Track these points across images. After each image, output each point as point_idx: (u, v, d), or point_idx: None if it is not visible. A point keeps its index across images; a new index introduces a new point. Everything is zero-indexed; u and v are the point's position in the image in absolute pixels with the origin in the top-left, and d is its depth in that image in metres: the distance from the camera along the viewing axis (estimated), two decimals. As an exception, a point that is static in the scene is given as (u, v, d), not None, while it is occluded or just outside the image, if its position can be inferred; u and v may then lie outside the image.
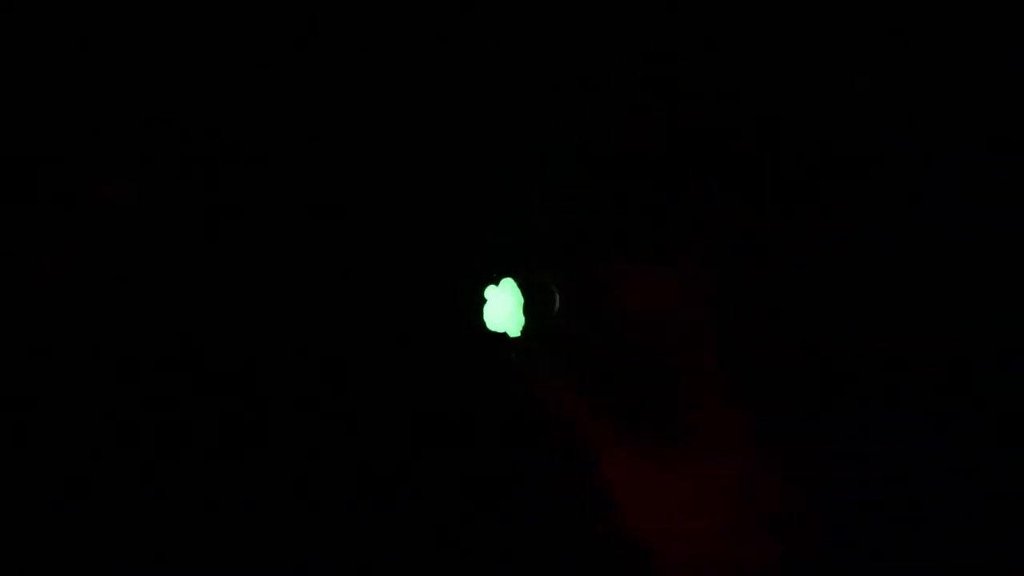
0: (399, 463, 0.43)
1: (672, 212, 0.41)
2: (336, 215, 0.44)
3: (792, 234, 0.40)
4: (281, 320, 0.44)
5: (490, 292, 0.41)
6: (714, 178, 0.41)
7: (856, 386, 0.40)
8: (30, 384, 0.43)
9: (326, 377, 0.43)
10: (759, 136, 0.43)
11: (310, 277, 0.44)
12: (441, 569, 0.43)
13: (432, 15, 0.44)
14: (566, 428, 0.40)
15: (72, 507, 0.42)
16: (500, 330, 0.41)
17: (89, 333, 0.43)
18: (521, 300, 0.40)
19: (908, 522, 0.40)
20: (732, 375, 0.38)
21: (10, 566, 0.42)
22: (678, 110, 0.43)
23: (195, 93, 0.44)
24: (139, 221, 0.44)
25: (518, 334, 0.41)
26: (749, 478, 0.37)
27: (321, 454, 0.43)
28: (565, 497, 0.42)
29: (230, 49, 0.45)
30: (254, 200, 0.44)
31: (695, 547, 0.35)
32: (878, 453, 0.42)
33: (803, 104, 0.43)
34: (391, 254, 0.45)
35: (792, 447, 0.37)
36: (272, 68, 0.44)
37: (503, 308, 0.40)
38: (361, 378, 0.44)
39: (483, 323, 0.41)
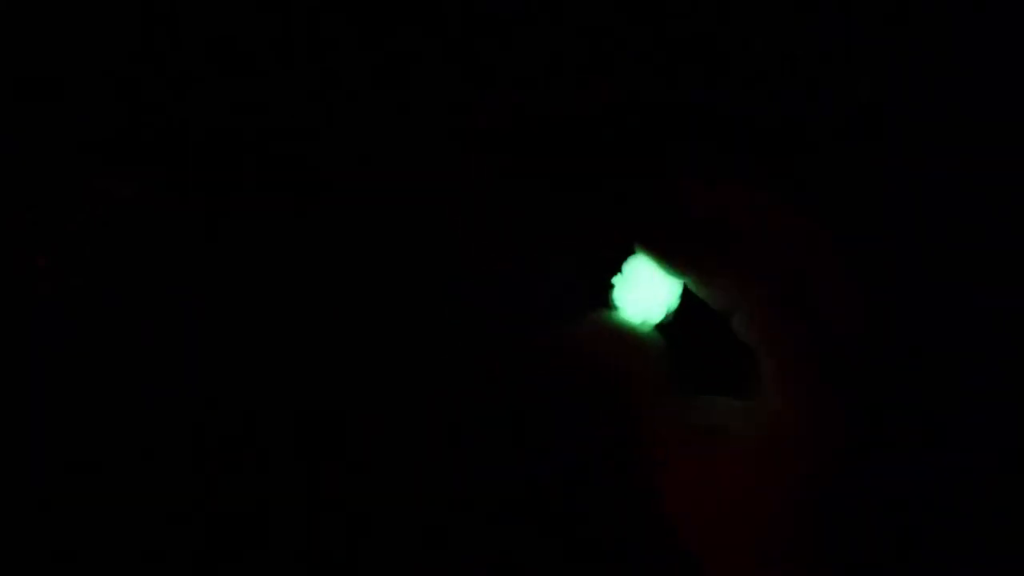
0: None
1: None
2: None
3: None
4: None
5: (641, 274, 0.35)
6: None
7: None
8: (28, 384, 0.43)
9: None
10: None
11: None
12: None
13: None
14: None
15: (70, 508, 0.42)
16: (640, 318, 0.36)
17: (85, 333, 0.44)
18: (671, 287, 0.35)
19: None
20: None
21: (9, 566, 0.42)
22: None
23: (193, 92, 0.44)
24: (137, 220, 0.44)
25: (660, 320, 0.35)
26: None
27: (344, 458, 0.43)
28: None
29: (229, 48, 0.45)
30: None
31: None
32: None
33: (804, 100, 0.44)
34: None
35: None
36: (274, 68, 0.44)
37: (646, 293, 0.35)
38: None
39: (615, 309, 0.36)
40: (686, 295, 0.36)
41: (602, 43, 0.44)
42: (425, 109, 0.44)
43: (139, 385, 0.43)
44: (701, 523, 0.32)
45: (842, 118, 0.43)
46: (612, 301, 0.36)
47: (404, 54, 0.44)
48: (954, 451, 0.41)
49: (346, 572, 0.42)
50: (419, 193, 0.44)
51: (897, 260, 0.42)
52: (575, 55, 0.44)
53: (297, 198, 0.44)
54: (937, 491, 0.40)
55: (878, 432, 0.33)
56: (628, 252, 0.36)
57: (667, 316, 0.36)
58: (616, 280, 0.37)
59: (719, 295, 0.34)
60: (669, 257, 0.34)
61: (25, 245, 0.44)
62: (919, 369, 0.40)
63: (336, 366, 0.44)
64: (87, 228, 0.44)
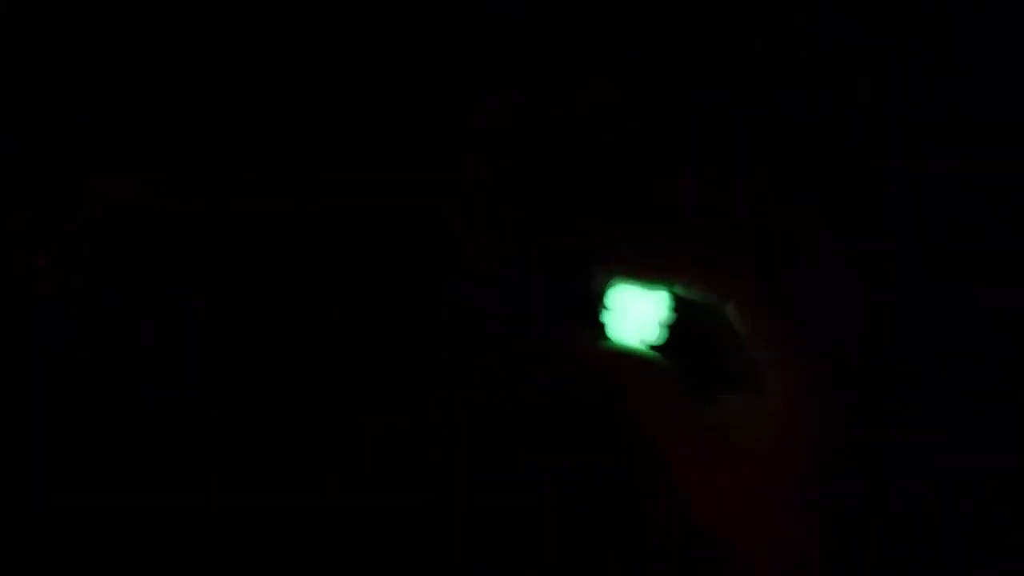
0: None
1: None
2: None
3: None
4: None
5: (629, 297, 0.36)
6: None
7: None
8: (29, 385, 0.43)
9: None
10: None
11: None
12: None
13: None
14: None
15: (70, 508, 0.42)
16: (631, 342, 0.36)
17: (86, 334, 0.44)
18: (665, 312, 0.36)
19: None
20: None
21: (9, 566, 0.42)
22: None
23: (193, 93, 0.44)
24: (137, 220, 0.44)
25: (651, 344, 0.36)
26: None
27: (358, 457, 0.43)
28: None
29: (231, 48, 0.45)
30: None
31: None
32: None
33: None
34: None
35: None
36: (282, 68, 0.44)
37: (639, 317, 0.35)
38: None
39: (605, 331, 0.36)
40: (677, 305, 0.36)
41: (602, 43, 0.44)
42: (425, 109, 0.44)
43: (139, 385, 0.43)
44: (701, 523, 0.32)
45: (842, 118, 0.43)
46: (604, 332, 0.37)
47: (404, 54, 0.44)
48: (954, 451, 0.41)
49: (345, 572, 0.42)
50: (419, 193, 0.44)
51: (897, 260, 0.42)
52: (575, 55, 0.44)
53: (297, 198, 0.44)
54: (937, 491, 0.40)
55: (878, 432, 0.33)
56: (608, 284, 0.37)
57: (662, 332, 0.37)
58: (603, 314, 0.37)
59: (718, 294, 0.34)
60: (667, 259, 0.35)
61: (25, 245, 0.44)
62: (919, 369, 0.40)
63: (336, 366, 0.44)
64: (87, 228, 0.44)
